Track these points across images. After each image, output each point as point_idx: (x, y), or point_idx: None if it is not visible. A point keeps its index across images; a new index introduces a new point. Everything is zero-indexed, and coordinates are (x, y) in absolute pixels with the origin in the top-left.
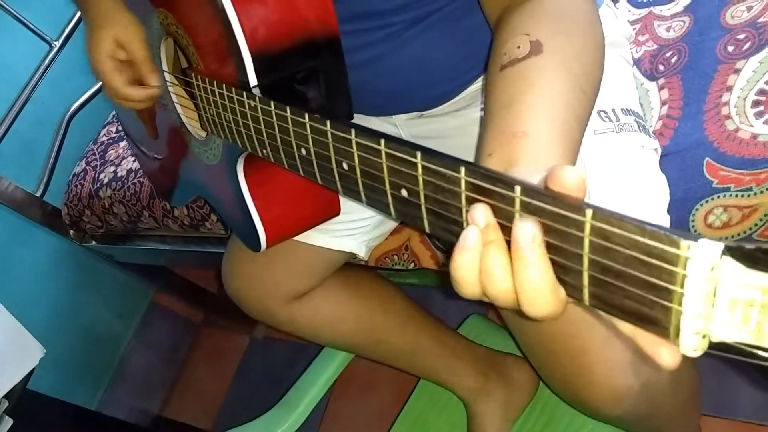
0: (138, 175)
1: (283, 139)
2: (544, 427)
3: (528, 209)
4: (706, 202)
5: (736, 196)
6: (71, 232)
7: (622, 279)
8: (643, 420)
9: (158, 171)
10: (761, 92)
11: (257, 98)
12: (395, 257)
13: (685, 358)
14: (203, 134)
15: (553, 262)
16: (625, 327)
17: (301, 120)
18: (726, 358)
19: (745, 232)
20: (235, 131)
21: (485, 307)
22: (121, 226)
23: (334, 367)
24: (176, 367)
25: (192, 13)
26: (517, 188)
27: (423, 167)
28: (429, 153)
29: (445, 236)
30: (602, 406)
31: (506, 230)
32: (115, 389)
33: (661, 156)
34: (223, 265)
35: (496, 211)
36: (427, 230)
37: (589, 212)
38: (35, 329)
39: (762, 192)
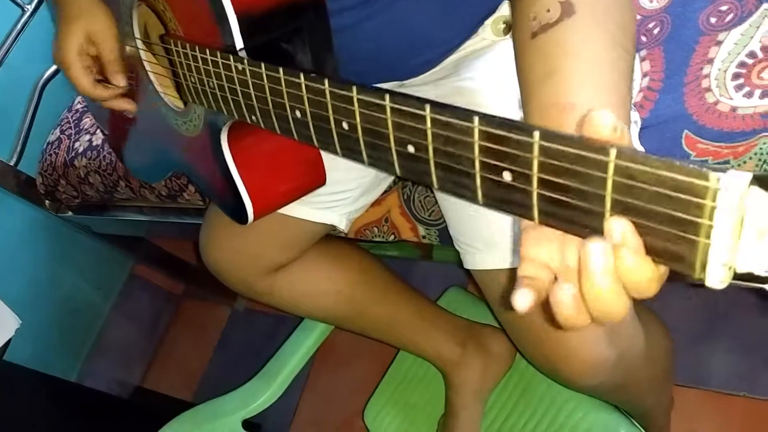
0: None
1: (275, 102)
2: (520, 397)
3: (547, 154)
4: None
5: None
6: (46, 202)
7: (646, 217)
8: (618, 390)
9: (130, 149)
10: (741, 65)
11: (245, 60)
12: (375, 229)
13: (658, 329)
14: (181, 105)
15: (574, 206)
16: None
17: (295, 80)
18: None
19: None
20: (220, 98)
21: (466, 280)
22: (97, 197)
23: (313, 338)
24: (156, 339)
25: None
26: (536, 133)
27: (432, 120)
28: (438, 105)
29: (455, 190)
30: (578, 377)
31: (526, 179)
32: (95, 361)
33: (641, 128)
34: (201, 237)
35: (513, 160)
36: (436, 186)
37: (612, 152)
38: (11, 300)
39: (739, 165)
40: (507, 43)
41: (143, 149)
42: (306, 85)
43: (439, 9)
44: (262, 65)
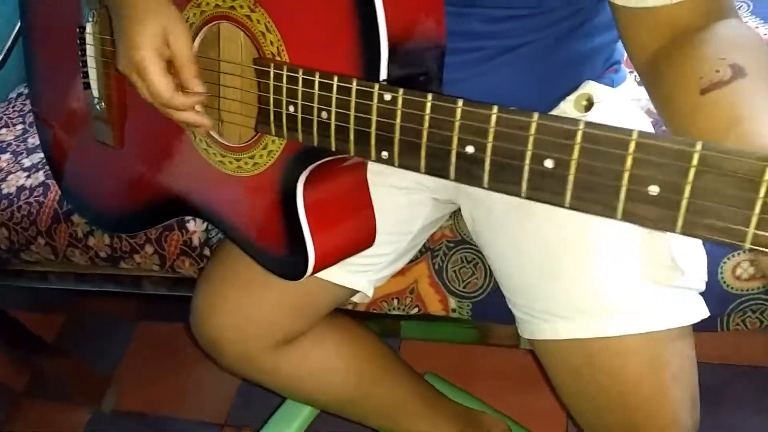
0: (37, 194)
1: (433, 135)
2: None
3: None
4: (732, 256)
5: None
6: None
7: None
8: None
9: (100, 188)
10: None
11: (401, 91)
12: (395, 301)
13: None
14: (239, 139)
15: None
16: None
17: (484, 111)
18: None
19: None
20: (335, 129)
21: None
22: None
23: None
24: None
25: None
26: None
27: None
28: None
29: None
30: None
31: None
32: None
33: None
34: (198, 300)
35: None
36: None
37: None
38: None
39: None
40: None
41: (129, 188)
42: (498, 117)
43: (535, 80)
44: (429, 96)
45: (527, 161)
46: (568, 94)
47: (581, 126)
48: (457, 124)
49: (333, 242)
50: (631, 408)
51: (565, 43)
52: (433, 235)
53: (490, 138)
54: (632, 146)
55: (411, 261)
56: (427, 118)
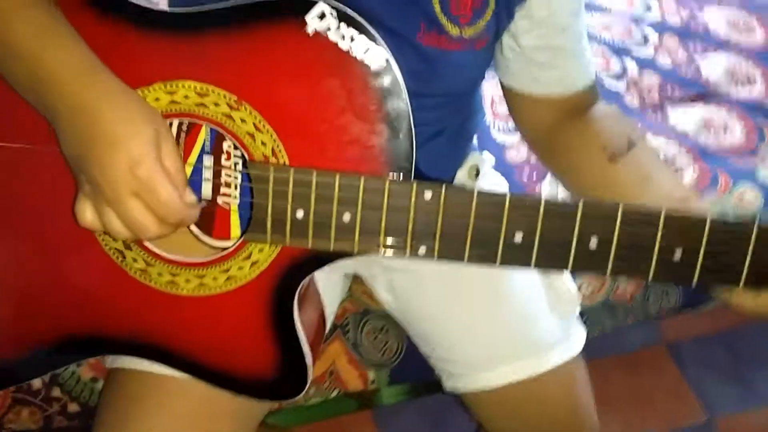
0: None
1: (479, 227)
2: None
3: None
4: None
5: None
6: None
7: None
8: None
9: None
10: None
11: (443, 188)
12: (311, 389)
13: None
14: (186, 251)
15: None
16: None
17: (520, 202)
18: None
19: None
20: (360, 229)
21: None
22: None
23: None
24: None
25: (290, 94)
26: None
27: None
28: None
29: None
30: None
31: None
32: None
33: None
34: None
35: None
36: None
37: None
38: None
39: None
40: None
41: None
42: (546, 206)
43: (447, 155)
44: (474, 191)
45: (574, 242)
46: (461, 165)
47: (620, 208)
48: (505, 215)
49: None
50: (561, 421)
51: (465, 123)
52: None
53: (539, 225)
54: (661, 222)
55: (324, 341)
56: (473, 212)
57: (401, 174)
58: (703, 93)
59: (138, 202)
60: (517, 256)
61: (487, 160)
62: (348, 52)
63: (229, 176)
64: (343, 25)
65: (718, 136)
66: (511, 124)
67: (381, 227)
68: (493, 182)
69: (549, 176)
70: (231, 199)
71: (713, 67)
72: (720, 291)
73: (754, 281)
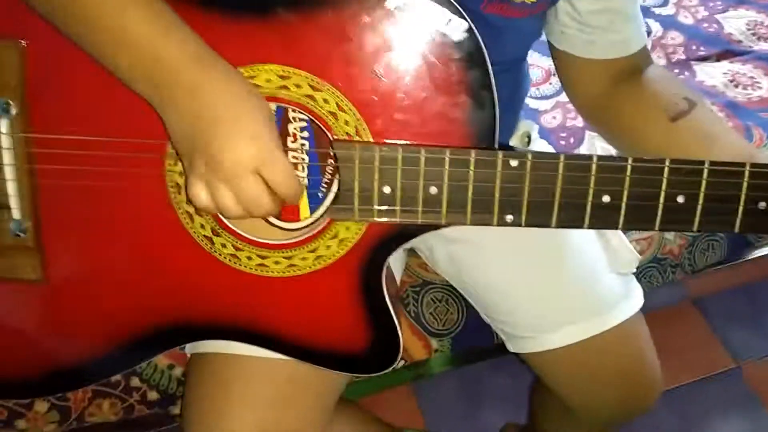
0: None
1: (567, 192)
2: None
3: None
4: None
5: None
6: None
7: None
8: None
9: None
10: None
11: (529, 155)
12: None
13: None
14: (267, 234)
15: None
16: None
17: (607, 164)
18: None
19: None
20: (447, 202)
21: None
22: None
23: None
24: None
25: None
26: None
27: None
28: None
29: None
30: (653, 398)
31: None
32: None
33: None
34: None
35: None
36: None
37: None
38: None
39: None
40: None
41: (70, 330)
42: (633, 166)
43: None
44: (561, 156)
45: (661, 200)
46: (513, 133)
47: (706, 165)
48: (593, 178)
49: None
50: (628, 378)
51: (517, 88)
52: None
53: (626, 185)
54: (747, 174)
55: None
56: (560, 177)
57: (485, 144)
58: (727, 49)
59: (256, 177)
60: (604, 218)
61: (534, 126)
62: (429, 24)
63: (296, 159)
64: None
65: (746, 91)
66: (543, 89)
67: (468, 198)
68: (540, 148)
69: (586, 141)
70: None
71: (734, 23)
72: None
73: None
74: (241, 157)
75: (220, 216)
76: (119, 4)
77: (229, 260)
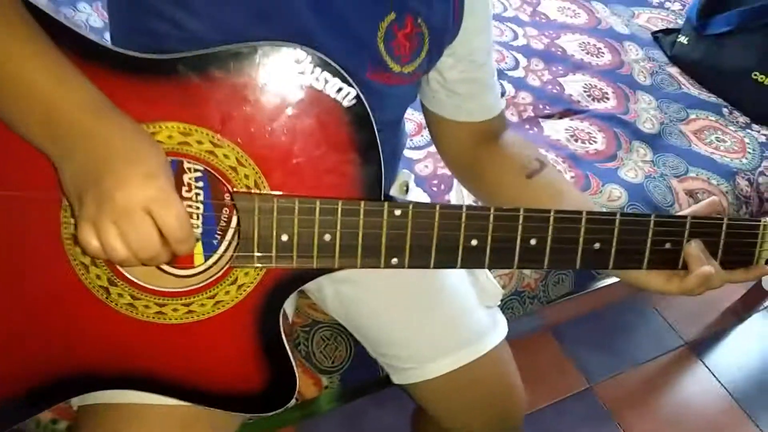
0: None
1: (443, 237)
2: None
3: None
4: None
5: None
6: None
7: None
8: None
9: None
10: None
11: (410, 205)
12: None
13: None
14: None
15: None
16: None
17: (474, 212)
18: None
19: None
20: (339, 248)
21: None
22: None
23: None
24: None
25: (269, 127)
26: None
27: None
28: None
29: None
30: (520, 418)
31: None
32: None
33: None
34: None
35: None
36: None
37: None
38: None
39: None
40: None
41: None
42: (495, 215)
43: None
44: (437, 206)
45: (518, 242)
46: (393, 183)
47: (552, 213)
48: (463, 225)
49: None
50: (498, 400)
51: (397, 143)
52: None
53: (490, 230)
54: (584, 221)
55: None
56: (436, 224)
57: (373, 196)
58: (568, 108)
59: (146, 216)
60: (473, 259)
61: (411, 175)
62: (322, 91)
63: (191, 207)
64: (317, 69)
65: (584, 144)
66: (416, 140)
67: (359, 244)
68: (416, 196)
69: (454, 187)
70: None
71: (573, 86)
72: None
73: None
74: (133, 194)
75: (115, 264)
76: (19, 63)
77: (126, 309)
